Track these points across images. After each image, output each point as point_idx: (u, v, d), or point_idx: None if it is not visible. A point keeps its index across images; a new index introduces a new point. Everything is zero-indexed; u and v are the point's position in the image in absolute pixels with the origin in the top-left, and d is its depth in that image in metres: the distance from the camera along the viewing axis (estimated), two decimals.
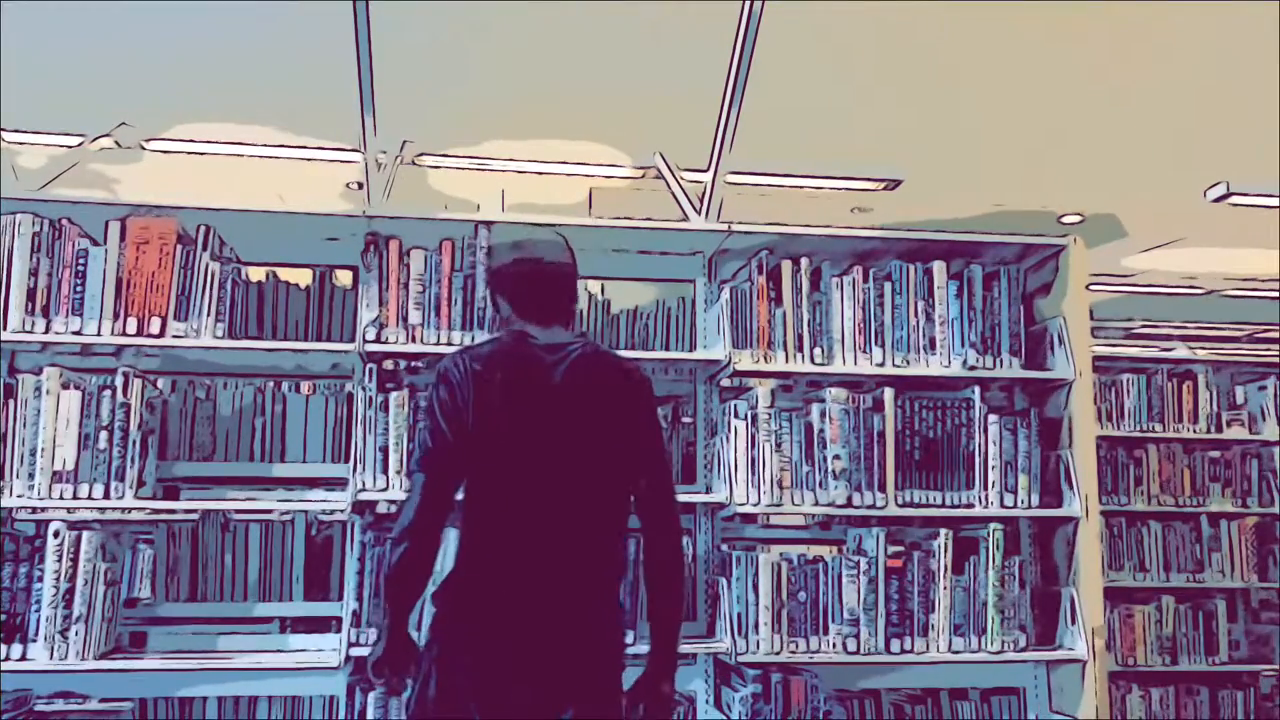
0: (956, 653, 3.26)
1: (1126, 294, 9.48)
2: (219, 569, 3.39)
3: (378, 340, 3.18)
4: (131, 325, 3.10)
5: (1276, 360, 5.53)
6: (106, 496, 3.04)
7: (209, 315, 3.13)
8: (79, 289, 3.09)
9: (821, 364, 3.36)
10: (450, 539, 2.38)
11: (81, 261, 3.10)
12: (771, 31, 3.53)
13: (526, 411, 2.29)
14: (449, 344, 3.20)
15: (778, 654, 3.21)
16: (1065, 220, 7.41)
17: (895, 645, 3.24)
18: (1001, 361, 3.44)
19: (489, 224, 3.28)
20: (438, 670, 2.27)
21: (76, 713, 3.06)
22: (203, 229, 3.18)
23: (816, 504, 3.30)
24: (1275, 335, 9.60)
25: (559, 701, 2.19)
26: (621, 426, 2.32)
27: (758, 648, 3.20)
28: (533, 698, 2.18)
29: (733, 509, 3.27)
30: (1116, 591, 4.97)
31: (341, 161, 6.17)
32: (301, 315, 3.41)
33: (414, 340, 3.20)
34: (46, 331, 3.06)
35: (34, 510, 3.27)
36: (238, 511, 3.47)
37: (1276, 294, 8.67)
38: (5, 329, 3.03)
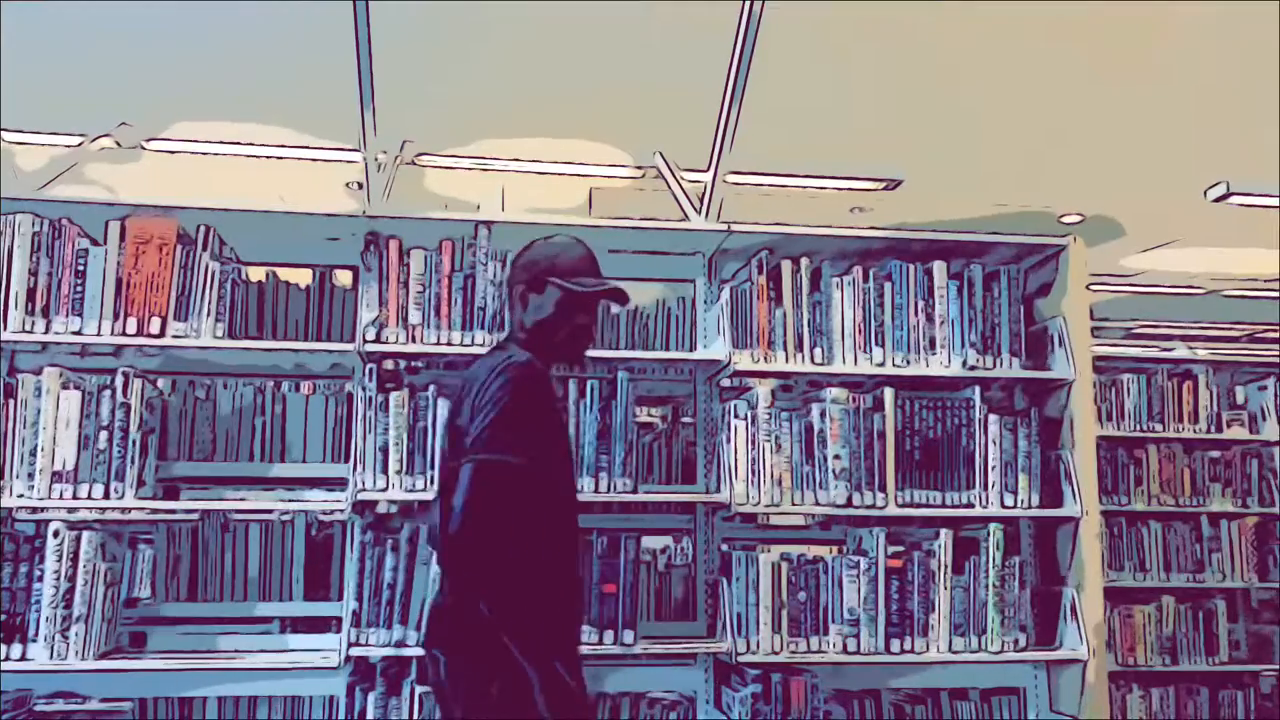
0: (956, 653, 3.26)
1: (1126, 294, 9.48)
2: (219, 569, 3.39)
3: (378, 340, 3.18)
4: (131, 325, 3.10)
5: (1276, 360, 5.53)
6: (106, 496, 3.04)
7: (209, 315, 3.13)
8: (79, 289, 3.09)
9: (821, 364, 3.36)
10: None
11: (81, 261, 3.10)
12: (771, 31, 3.53)
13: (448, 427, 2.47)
14: (449, 344, 3.21)
15: (778, 654, 3.21)
16: (1065, 220, 7.41)
17: (895, 645, 3.24)
18: (1001, 361, 3.44)
19: (489, 224, 3.28)
20: None
21: (76, 713, 3.06)
22: (203, 229, 3.19)
23: (816, 504, 3.30)
24: (1275, 335, 9.61)
25: None
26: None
27: (758, 648, 3.20)
28: None
29: (733, 509, 3.27)
30: (1116, 591, 4.97)
31: (341, 161, 6.17)
32: (301, 315, 3.41)
33: (414, 340, 3.20)
34: (46, 331, 3.06)
35: (34, 510, 3.27)
36: (238, 511, 3.47)
37: (1276, 294, 8.67)
38: (5, 329, 3.03)
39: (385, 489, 3.09)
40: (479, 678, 2.23)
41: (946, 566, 3.28)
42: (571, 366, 2.48)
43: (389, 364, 3.33)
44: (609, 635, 3.08)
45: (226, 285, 3.16)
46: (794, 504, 3.30)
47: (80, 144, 4.69)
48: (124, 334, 3.09)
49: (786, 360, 3.34)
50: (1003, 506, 3.36)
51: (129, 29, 4.82)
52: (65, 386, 3.05)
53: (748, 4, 3.49)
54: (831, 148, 6.13)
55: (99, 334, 3.08)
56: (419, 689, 3.07)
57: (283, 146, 6.11)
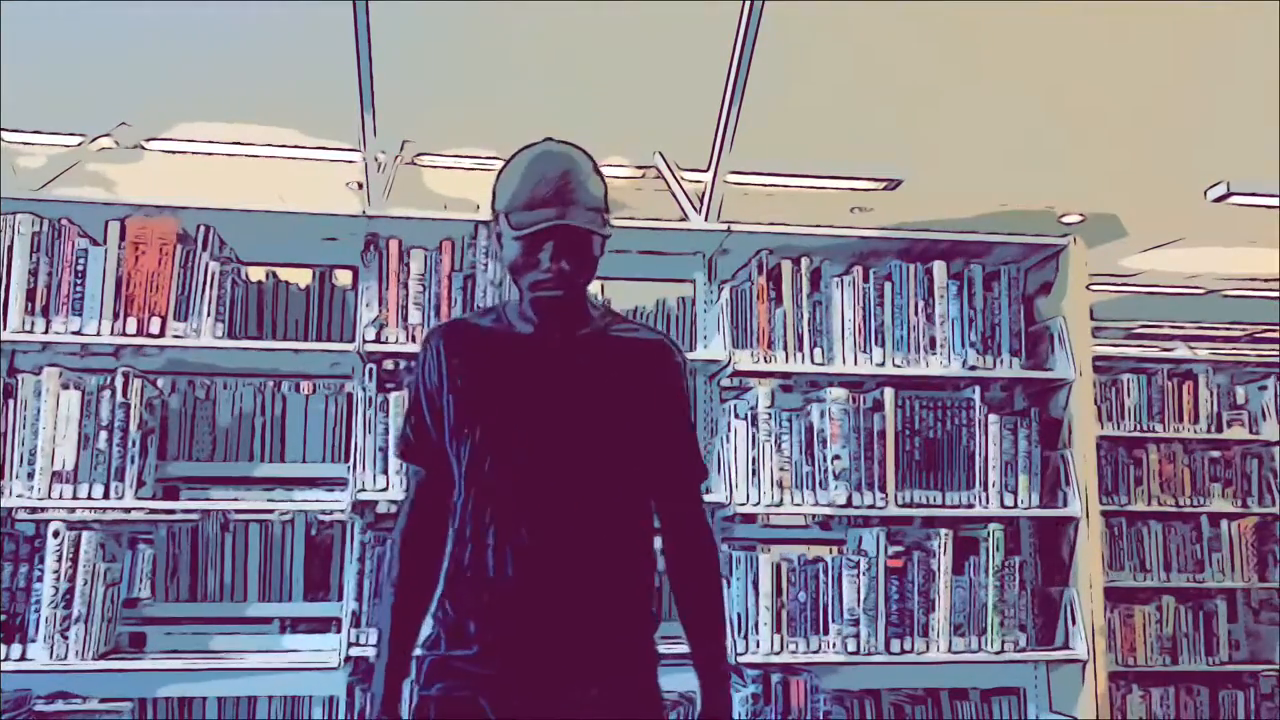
0: (956, 653, 3.26)
1: (1127, 294, 9.48)
2: (218, 569, 3.38)
3: (378, 340, 3.18)
4: (131, 325, 3.09)
5: (1276, 360, 5.53)
6: (106, 496, 3.04)
7: (209, 315, 3.13)
8: (79, 289, 3.09)
9: (821, 364, 3.36)
10: None
11: (81, 261, 3.10)
12: (771, 31, 3.53)
13: None
14: None
15: (778, 654, 3.21)
16: (1065, 220, 7.40)
17: (895, 645, 3.24)
18: (1001, 361, 3.44)
19: (489, 224, 3.27)
20: None
21: (76, 713, 3.06)
22: (203, 229, 3.18)
23: (816, 504, 3.30)
24: (1275, 335, 9.60)
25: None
26: None
27: (758, 648, 3.20)
28: None
29: (733, 509, 3.27)
30: (1116, 591, 4.97)
31: (341, 161, 6.17)
32: (301, 315, 3.41)
33: (414, 340, 3.20)
34: (46, 331, 3.06)
35: (34, 510, 3.26)
36: (237, 511, 3.47)
37: (1276, 294, 8.67)
38: (5, 329, 3.03)
39: (385, 489, 3.09)
40: None
41: (946, 566, 3.28)
42: (557, 314, 2.05)
43: (389, 364, 3.33)
44: None
45: (226, 285, 3.16)
46: (794, 504, 3.30)
47: (80, 144, 4.69)
48: (124, 334, 3.09)
49: (786, 360, 3.34)
50: (1003, 506, 3.35)
51: (129, 29, 4.82)
52: (65, 386, 3.05)
53: (748, 4, 3.49)
54: (831, 148, 6.12)
55: (99, 334, 3.08)
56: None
57: (283, 146, 6.10)
